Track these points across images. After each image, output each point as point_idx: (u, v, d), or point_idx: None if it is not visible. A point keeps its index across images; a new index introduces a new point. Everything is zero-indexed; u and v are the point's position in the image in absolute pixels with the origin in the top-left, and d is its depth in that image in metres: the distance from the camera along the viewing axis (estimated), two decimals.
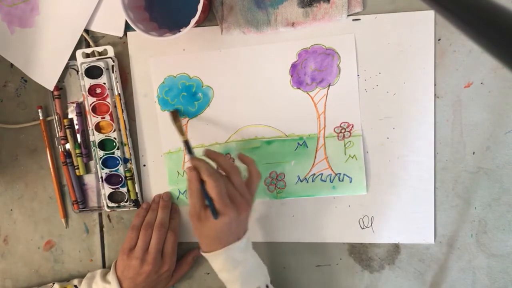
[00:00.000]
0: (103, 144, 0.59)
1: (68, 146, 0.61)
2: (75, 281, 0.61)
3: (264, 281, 0.51)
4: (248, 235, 0.51)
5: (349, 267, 0.59)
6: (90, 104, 0.58)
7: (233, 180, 0.50)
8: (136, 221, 0.57)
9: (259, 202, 0.59)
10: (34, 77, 0.60)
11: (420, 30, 0.53)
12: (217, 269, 0.51)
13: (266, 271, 0.53)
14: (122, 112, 0.59)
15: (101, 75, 0.57)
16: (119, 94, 0.58)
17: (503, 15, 0.24)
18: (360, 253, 0.58)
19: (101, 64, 0.57)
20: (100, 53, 0.58)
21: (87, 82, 0.58)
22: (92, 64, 0.57)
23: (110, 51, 0.58)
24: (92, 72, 0.57)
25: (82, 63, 0.57)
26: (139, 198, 0.61)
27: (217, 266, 0.51)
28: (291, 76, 0.56)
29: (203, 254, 0.52)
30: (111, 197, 0.61)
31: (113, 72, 0.58)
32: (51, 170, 0.62)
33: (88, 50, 0.58)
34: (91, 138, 0.59)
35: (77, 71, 0.59)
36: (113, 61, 0.58)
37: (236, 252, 0.50)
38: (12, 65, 0.61)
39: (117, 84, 0.58)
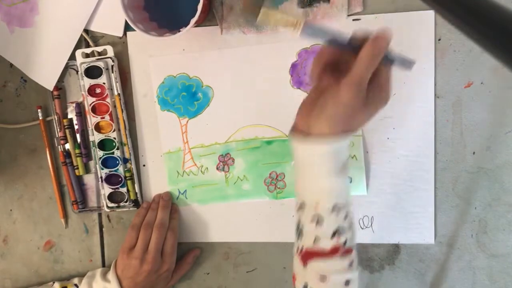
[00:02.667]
0: (102, 144, 0.59)
1: (67, 146, 0.61)
2: (76, 280, 0.61)
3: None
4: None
5: None
6: (90, 104, 0.58)
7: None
8: (136, 221, 0.57)
9: (259, 202, 0.59)
10: (34, 77, 0.60)
11: (420, 30, 0.53)
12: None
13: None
14: (122, 112, 0.59)
15: (101, 75, 0.57)
16: (118, 94, 0.58)
17: (503, 15, 0.24)
18: (360, 253, 0.58)
19: (100, 64, 0.57)
20: (99, 53, 0.58)
21: (87, 82, 0.57)
22: (92, 64, 0.57)
23: (110, 51, 0.58)
24: (92, 72, 0.57)
25: (82, 63, 0.57)
26: (139, 198, 0.61)
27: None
28: (291, 76, 0.56)
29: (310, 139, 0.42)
30: (110, 197, 0.61)
31: (112, 72, 0.58)
32: (51, 170, 0.62)
33: (88, 50, 0.58)
34: (91, 138, 0.59)
35: (77, 71, 0.59)
36: (113, 61, 0.58)
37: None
38: (11, 65, 0.61)
39: (117, 84, 0.58)
